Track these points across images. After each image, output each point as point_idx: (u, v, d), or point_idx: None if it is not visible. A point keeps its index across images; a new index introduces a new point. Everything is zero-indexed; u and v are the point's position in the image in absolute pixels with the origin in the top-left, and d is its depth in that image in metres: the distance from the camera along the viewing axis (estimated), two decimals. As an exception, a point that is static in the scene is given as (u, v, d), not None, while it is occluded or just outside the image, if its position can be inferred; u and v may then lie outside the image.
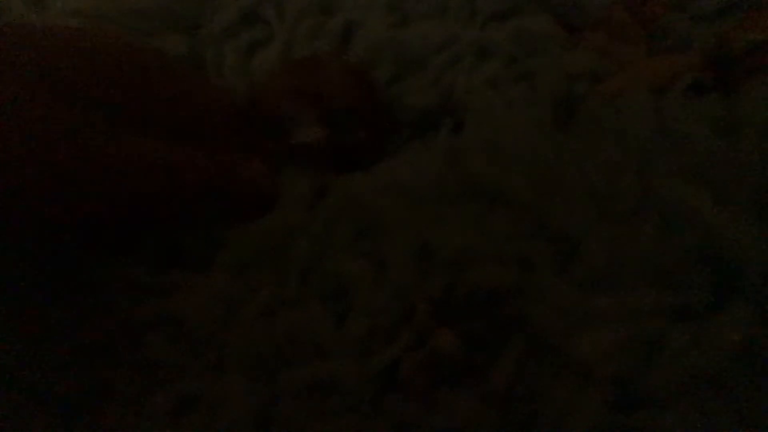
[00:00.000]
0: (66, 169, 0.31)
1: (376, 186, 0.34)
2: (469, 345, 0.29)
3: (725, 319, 0.27)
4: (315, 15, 0.42)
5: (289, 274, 0.33)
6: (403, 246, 0.32)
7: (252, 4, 0.42)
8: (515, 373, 0.28)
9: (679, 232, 0.29)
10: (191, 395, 0.31)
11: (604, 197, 0.31)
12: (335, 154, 0.38)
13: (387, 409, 0.29)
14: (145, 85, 0.37)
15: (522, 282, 0.29)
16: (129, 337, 0.33)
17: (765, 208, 0.30)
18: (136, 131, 0.34)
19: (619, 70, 0.40)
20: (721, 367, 0.27)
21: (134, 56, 0.38)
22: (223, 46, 0.42)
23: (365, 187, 0.34)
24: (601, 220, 0.30)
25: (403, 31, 0.41)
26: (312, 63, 0.41)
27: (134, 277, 0.34)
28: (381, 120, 0.40)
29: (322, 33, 0.41)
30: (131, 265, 0.35)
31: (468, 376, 0.29)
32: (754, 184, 0.30)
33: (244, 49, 0.42)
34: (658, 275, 0.28)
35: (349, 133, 0.38)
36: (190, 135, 0.37)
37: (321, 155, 0.38)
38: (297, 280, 0.33)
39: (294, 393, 0.30)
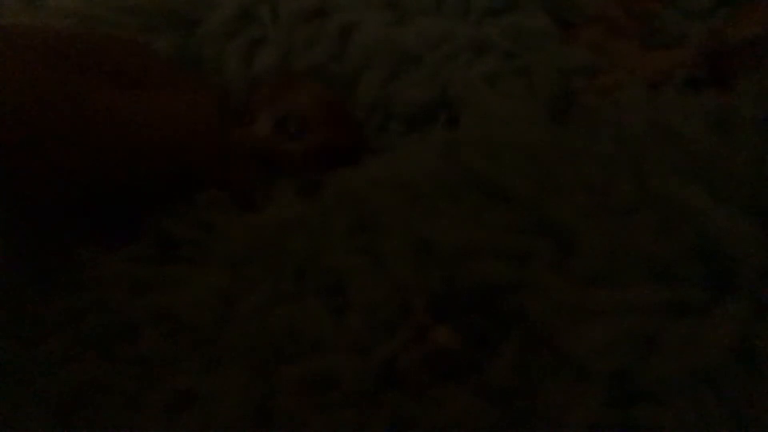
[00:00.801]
0: (67, 124, 0.31)
1: (372, 180, 0.34)
2: (467, 340, 0.29)
3: (721, 315, 0.27)
4: (312, 14, 0.42)
5: (286, 269, 0.33)
6: (400, 241, 0.32)
7: (250, 2, 0.42)
8: (513, 368, 0.28)
9: (675, 228, 0.29)
10: (188, 391, 0.31)
11: (601, 192, 0.31)
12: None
13: (385, 404, 0.29)
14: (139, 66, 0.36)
15: (520, 277, 0.29)
16: (125, 333, 0.33)
17: (760, 204, 0.30)
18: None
19: (614, 66, 0.40)
20: (717, 362, 0.27)
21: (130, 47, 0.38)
22: (223, 45, 0.41)
23: (362, 181, 0.34)
24: (598, 214, 0.30)
25: (399, 28, 0.40)
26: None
27: (130, 273, 0.34)
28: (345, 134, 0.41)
29: (320, 31, 0.41)
30: (127, 261, 0.35)
31: (466, 370, 0.29)
32: (749, 180, 0.30)
33: (244, 49, 0.41)
34: (654, 271, 0.29)
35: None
36: None
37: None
38: (294, 275, 0.33)
39: (291, 388, 0.30)
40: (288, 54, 0.41)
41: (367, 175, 0.35)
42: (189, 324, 0.32)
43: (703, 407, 0.27)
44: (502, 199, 0.32)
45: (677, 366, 0.27)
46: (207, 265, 0.34)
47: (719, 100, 0.35)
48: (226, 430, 0.30)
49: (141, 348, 0.32)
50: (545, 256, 0.30)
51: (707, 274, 0.29)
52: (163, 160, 0.35)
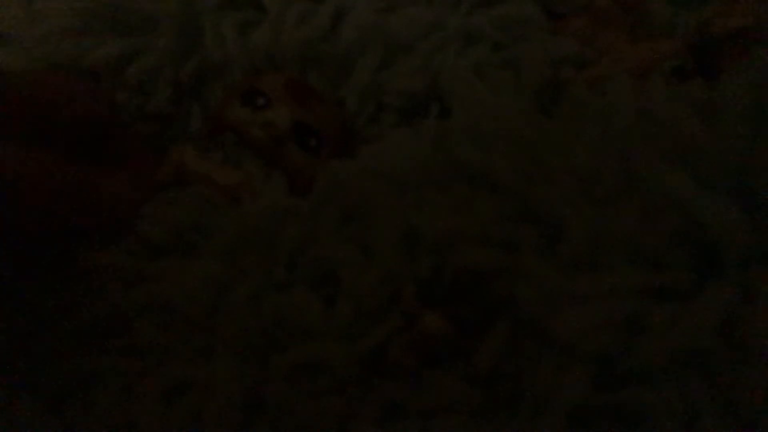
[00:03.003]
0: None
1: (362, 171, 0.34)
2: (455, 326, 0.30)
3: (706, 299, 0.28)
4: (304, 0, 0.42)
5: (277, 259, 0.33)
6: (389, 230, 0.32)
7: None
8: (501, 354, 0.29)
9: (661, 214, 0.29)
10: (181, 380, 0.31)
11: (588, 180, 0.31)
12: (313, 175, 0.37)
13: (375, 390, 0.30)
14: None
15: (507, 264, 0.30)
16: (118, 324, 0.33)
17: (746, 191, 0.30)
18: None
19: (603, 56, 0.40)
20: (703, 345, 0.27)
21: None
22: (221, 20, 0.41)
23: (351, 172, 0.35)
24: (585, 202, 0.30)
25: (390, 17, 0.41)
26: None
27: (123, 265, 0.35)
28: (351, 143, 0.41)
29: (312, 12, 0.41)
30: (120, 253, 0.35)
31: (455, 357, 0.30)
32: (735, 167, 0.31)
33: (240, 25, 0.42)
34: (640, 256, 0.29)
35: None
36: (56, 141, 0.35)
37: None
38: (285, 265, 0.33)
39: (283, 376, 0.30)
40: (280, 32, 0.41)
41: (357, 165, 0.35)
42: (182, 314, 0.33)
43: (689, 390, 0.27)
44: (490, 188, 0.32)
45: (663, 349, 0.27)
46: (199, 257, 0.35)
47: (706, 90, 0.35)
48: (219, 417, 0.30)
49: (134, 338, 0.33)
50: (532, 243, 0.30)
51: (693, 258, 0.29)
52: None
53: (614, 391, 0.27)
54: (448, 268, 0.30)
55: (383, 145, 0.37)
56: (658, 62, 0.38)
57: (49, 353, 0.33)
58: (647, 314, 0.28)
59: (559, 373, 0.27)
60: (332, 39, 0.41)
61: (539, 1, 0.42)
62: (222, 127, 0.39)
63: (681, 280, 0.28)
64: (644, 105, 0.34)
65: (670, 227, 0.29)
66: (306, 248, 0.33)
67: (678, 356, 0.27)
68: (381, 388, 0.30)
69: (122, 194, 0.36)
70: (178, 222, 0.35)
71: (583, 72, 0.39)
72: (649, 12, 0.43)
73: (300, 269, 0.33)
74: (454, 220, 0.31)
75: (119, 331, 0.33)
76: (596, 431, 0.27)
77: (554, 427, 0.27)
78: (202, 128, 0.42)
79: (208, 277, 0.33)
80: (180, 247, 0.35)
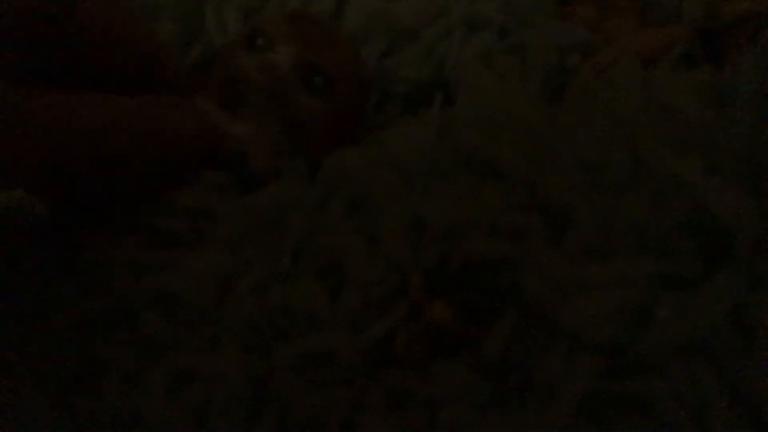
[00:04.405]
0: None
1: (368, 160, 0.34)
2: (462, 316, 0.30)
3: (715, 287, 0.27)
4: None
5: (283, 249, 0.33)
6: (395, 219, 0.32)
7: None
8: (509, 343, 0.29)
9: (669, 202, 0.29)
10: (187, 370, 0.31)
11: (596, 168, 0.31)
12: (329, 126, 0.36)
13: (381, 380, 0.29)
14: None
15: (515, 253, 0.29)
16: (125, 315, 0.33)
17: (754, 178, 0.30)
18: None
19: (610, 43, 0.40)
20: (710, 333, 0.27)
21: None
22: (223, 7, 0.41)
23: (358, 161, 0.34)
24: (593, 190, 0.30)
25: (394, 3, 0.40)
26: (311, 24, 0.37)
27: (130, 255, 0.34)
28: (367, 92, 0.38)
29: (314, 2, 0.41)
30: (127, 244, 0.35)
31: (462, 347, 0.30)
32: (743, 154, 0.30)
33: (242, 12, 0.41)
34: (648, 244, 0.29)
35: (345, 102, 0.36)
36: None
37: (317, 125, 0.36)
38: (291, 255, 0.33)
39: (289, 366, 0.30)
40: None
41: (363, 154, 0.35)
42: (188, 304, 0.33)
43: (698, 378, 0.27)
44: (496, 177, 0.32)
45: (672, 337, 0.27)
46: (205, 247, 0.34)
47: (714, 75, 0.35)
48: (225, 408, 0.30)
49: (141, 329, 0.33)
50: (540, 232, 0.30)
51: (702, 246, 0.29)
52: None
53: (623, 380, 0.27)
54: (455, 258, 0.30)
55: (389, 133, 0.37)
56: (666, 48, 0.38)
57: (54, 344, 0.33)
58: (656, 303, 0.28)
59: (567, 363, 0.27)
60: (336, 25, 0.41)
61: (545, -13, 0.42)
62: (229, 76, 0.36)
63: (690, 268, 0.28)
64: (652, 92, 0.34)
65: (678, 215, 0.29)
66: (312, 238, 0.33)
67: (687, 345, 0.27)
68: (387, 378, 0.29)
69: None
70: (189, 210, 0.35)
71: (590, 59, 0.39)
72: (657, -2, 0.42)
73: (306, 259, 0.33)
74: (460, 209, 0.31)
75: (125, 321, 0.33)
76: (605, 421, 0.27)
77: (563, 417, 0.27)
78: (214, 80, 0.38)
79: (213, 267, 0.33)
80: (188, 236, 0.35)
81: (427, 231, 0.31)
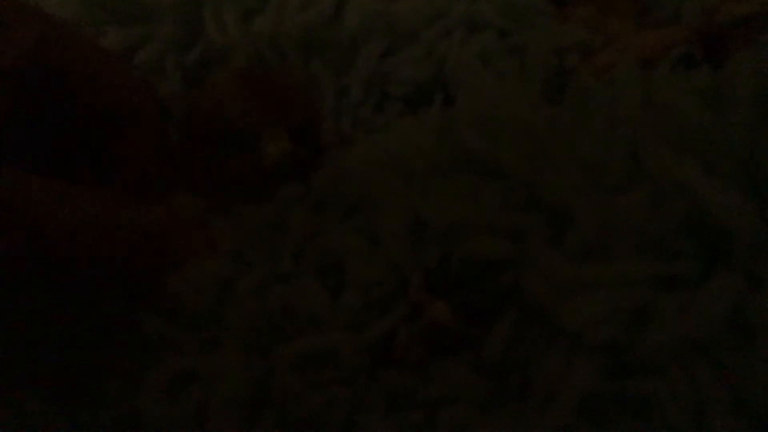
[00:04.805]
0: None
1: (368, 160, 0.34)
2: (462, 316, 0.30)
3: (714, 287, 0.27)
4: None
5: (284, 249, 0.33)
6: (395, 219, 0.32)
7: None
8: (509, 343, 0.29)
9: (668, 203, 0.29)
10: (188, 371, 0.31)
11: (595, 169, 0.31)
12: (293, 169, 0.36)
13: (381, 380, 0.29)
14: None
15: (515, 253, 0.29)
16: (126, 316, 0.33)
17: (753, 179, 0.30)
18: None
19: (609, 44, 0.40)
20: (711, 333, 0.27)
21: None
22: (222, 7, 0.41)
23: (358, 161, 0.34)
24: (592, 191, 0.30)
25: (394, 3, 0.40)
26: (264, 75, 0.39)
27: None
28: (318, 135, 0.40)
29: (314, 2, 0.41)
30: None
31: (462, 346, 0.30)
32: (742, 155, 0.30)
33: (241, 12, 0.41)
34: (648, 245, 0.29)
35: (307, 147, 0.37)
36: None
37: (282, 171, 0.36)
38: (291, 256, 0.33)
39: (289, 366, 0.30)
40: (282, 19, 0.41)
41: (363, 154, 0.35)
42: (188, 305, 0.33)
43: (697, 378, 0.27)
44: (496, 177, 0.32)
45: (671, 337, 0.27)
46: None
47: (713, 77, 0.35)
48: (226, 409, 0.30)
49: (142, 330, 0.33)
50: (540, 232, 0.30)
51: (700, 247, 0.29)
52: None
53: (623, 380, 0.27)
54: (455, 258, 0.30)
55: (389, 134, 0.37)
56: (665, 50, 0.38)
57: (55, 346, 0.33)
58: (655, 303, 0.28)
59: (567, 363, 0.27)
60: (335, 26, 0.41)
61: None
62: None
63: (689, 269, 0.28)
64: (651, 92, 0.34)
65: (677, 215, 0.29)
66: (312, 239, 0.33)
67: (686, 345, 0.27)
68: (388, 377, 0.29)
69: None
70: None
71: (589, 60, 0.39)
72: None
73: (306, 260, 0.33)
74: (460, 209, 0.31)
75: (126, 323, 0.33)
76: (605, 421, 0.27)
77: (564, 417, 0.27)
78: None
79: (214, 268, 0.33)
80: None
81: (427, 231, 0.31)
